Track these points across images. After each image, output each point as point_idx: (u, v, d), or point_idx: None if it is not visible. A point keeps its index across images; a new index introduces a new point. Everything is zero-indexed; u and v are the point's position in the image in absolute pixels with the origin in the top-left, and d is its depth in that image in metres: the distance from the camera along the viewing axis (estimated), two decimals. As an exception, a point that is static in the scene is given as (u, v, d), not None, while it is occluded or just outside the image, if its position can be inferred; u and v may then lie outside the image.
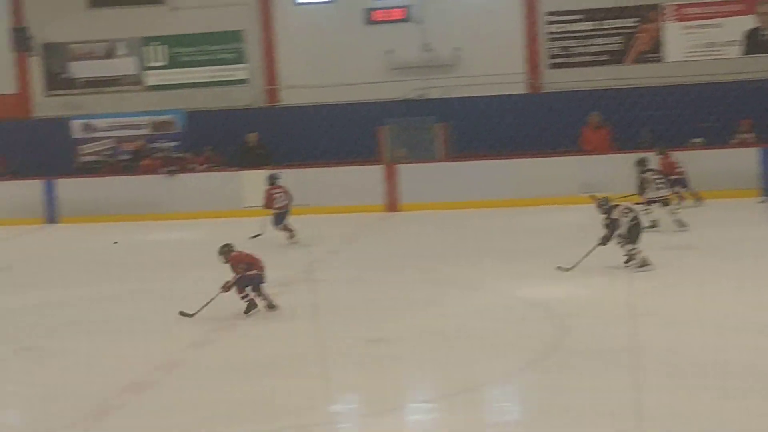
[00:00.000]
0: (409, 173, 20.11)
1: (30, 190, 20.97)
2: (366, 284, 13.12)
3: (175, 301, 11.68)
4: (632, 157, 16.91)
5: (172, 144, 22.93)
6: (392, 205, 20.05)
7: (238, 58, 23.69)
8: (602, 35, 22.49)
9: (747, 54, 21.97)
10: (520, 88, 22.60)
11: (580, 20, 22.54)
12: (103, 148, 23.28)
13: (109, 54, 24.00)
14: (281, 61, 23.52)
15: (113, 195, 20.56)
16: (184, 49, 23.73)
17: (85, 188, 21.02)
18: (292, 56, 23.29)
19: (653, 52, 22.37)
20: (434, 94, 22.47)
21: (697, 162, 18.47)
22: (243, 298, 11.16)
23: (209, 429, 7.82)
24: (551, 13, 22.63)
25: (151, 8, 23.73)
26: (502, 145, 21.44)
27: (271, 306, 11.31)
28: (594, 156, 19.80)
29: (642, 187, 15.76)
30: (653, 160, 17.12)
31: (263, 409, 8.19)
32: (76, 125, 23.31)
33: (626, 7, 22.26)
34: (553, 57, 22.74)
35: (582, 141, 20.74)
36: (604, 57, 22.50)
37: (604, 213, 12.73)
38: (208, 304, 11.03)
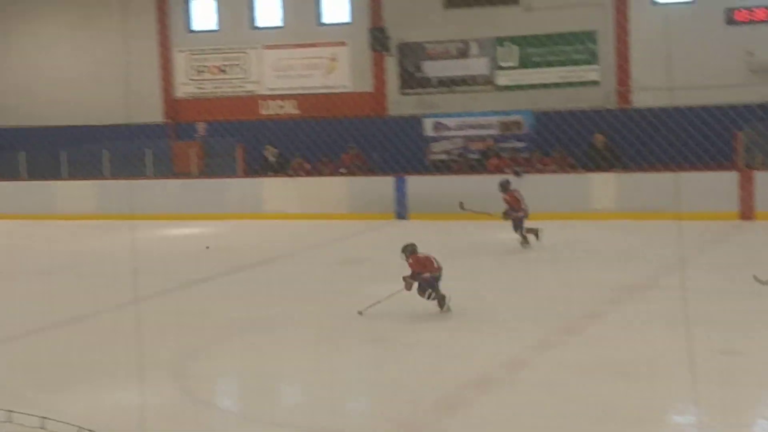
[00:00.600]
0: (767, 180, 19.16)
1: (382, 186, 21.69)
2: (717, 294, 12.46)
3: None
4: None
5: (520, 144, 23.08)
6: (747, 212, 19.15)
7: (590, 59, 23.41)
8: None
9: None
10: None
11: None
12: (453, 146, 23.80)
13: (463, 54, 24.43)
14: (634, 62, 23.01)
15: (461, 194, 20.73)
16: (535, 49, 23.74)
17: (435, 186, 21.43)
18: (645, 57, 22.62)
19: None
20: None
21: None
22: (428, 297, 11.58)
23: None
24: None
25: (505, 8, 23.91)
26: None
27: (441, 305, 11.61)
28: None
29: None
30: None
31: (605, 415, 8.07)
32: (428, 124, 23.96)
33: None
34: None
35: None
36: None
37: None
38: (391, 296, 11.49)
